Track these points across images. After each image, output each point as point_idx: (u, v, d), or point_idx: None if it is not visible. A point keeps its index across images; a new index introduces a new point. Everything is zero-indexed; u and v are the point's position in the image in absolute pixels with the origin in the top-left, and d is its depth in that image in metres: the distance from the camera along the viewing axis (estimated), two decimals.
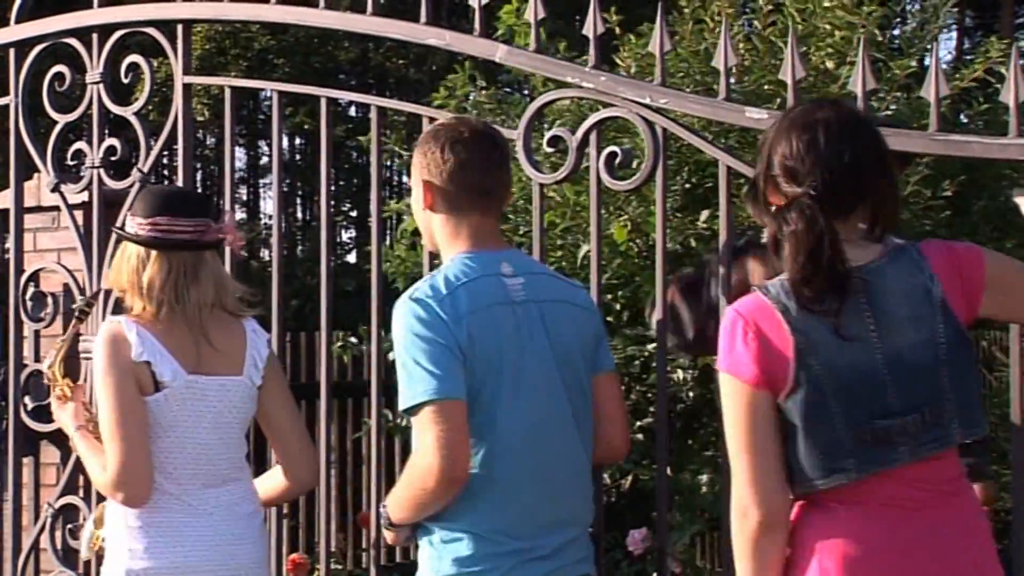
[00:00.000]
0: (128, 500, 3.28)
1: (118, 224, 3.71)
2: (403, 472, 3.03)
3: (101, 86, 4.18)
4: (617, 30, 4.96)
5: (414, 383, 2.92)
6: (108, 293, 3.92)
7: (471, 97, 5.22)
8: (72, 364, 3.79)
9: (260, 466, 5.36)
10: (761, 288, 2.67)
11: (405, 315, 2.97)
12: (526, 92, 5.34)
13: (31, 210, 4.75)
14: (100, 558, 3.58)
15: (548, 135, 3.47)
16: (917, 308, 2.63)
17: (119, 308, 3.52)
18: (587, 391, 3.10)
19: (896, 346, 2.61)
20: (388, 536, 3.13)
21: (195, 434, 3.32)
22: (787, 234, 2.62)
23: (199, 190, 23.55)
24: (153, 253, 3.34)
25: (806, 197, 2.61)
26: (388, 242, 5.10)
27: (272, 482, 3.53)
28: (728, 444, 2.67)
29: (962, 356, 2.65)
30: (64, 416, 3.53)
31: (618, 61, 4.93)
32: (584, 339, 3.11)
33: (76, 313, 3.67)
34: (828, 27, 4.74)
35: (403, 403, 2.95)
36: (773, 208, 2.69)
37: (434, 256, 3.22)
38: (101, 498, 3.66)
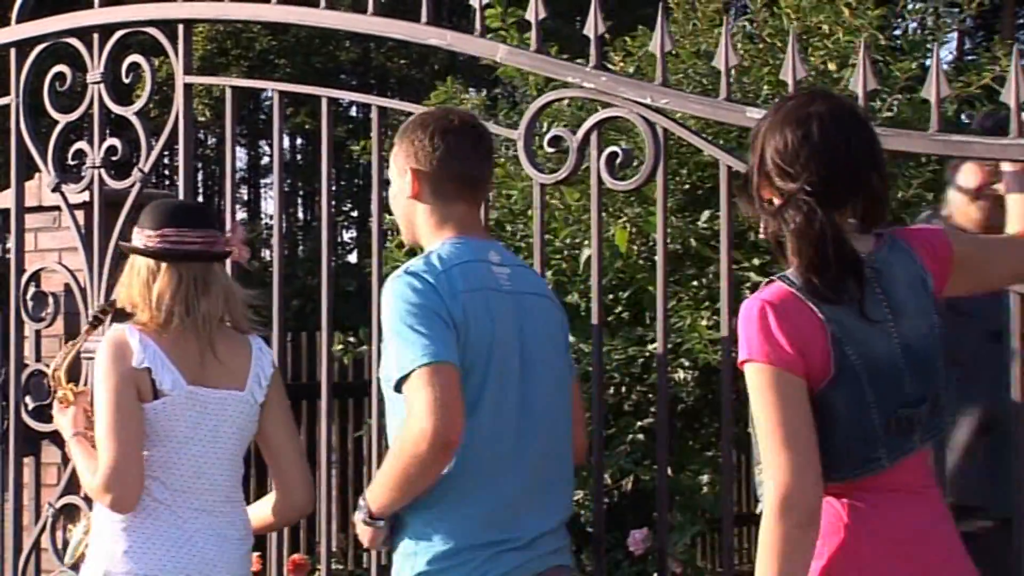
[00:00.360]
0: (115, 504, 3.25)
1: (124, 239, 3.70)
2: (389, 451, 2.94)
3: (102, 86, 4.18)
4: (606, 36, 4.95)
5: (408, 349, 2.84)
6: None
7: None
8: (75, 365, 3.78)
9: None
10: (782, 278, 2.62)
11: (399, 286, 2.91)
12: (524, 93, 5.32)
13: (32, 210, 4.76)
14: (76, 567, 3.56)
15: (549, 135, 3.47)
16: (919, 298, 2.64)
17: (120, 317, 3.51)
18: (566, 385, 3.08)
19: (907, 335, 2.61)
20: (365, 536, 3.00)
21: (192, 445, 3.30)
22: (788, 233, 2.59)
23: (200, 190, 23.58)
24: (163, 265, 3.33)
25: (802, 193, 2.58)
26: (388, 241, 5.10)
27: (267, 508, 3.48)
28: (765, 438, 2.53)
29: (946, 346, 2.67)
30: (63, 420, 3.51)
31: (608, 67, 4.92)
32: (560, 335, 3.11)
33: (90, 319, 3.66)
34: (826, 27, 4.74)
35: (398, 373, 2.85)
36: (768, 206, 2.66)
37: None
38: None
